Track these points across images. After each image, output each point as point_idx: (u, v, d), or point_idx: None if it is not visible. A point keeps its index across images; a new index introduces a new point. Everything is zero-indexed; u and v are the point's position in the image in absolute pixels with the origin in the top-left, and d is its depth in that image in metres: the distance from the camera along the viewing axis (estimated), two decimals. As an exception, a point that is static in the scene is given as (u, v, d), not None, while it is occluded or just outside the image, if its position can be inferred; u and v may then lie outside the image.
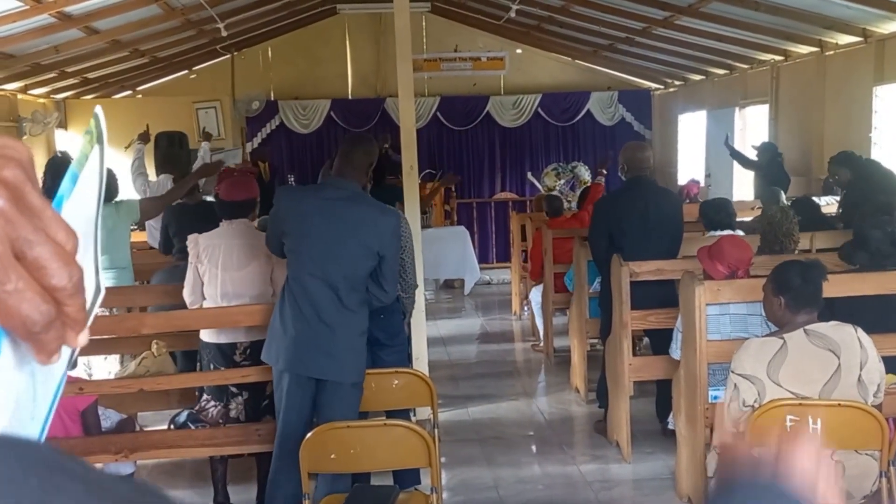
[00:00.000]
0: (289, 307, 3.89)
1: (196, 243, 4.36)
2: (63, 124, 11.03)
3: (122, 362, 5.50)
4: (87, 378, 5.28)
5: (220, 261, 4.31)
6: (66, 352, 0.54)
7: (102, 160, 0.61)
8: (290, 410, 3.96)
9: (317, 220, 3.83)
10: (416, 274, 4.77)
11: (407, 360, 5.07)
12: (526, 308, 9.16)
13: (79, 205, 0.58)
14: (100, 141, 0.60)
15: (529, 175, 12.79)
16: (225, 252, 4.31)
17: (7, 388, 0.51)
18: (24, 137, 9.47)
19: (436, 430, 4.12)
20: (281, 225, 3.94)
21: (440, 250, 10.37)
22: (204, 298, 4.37)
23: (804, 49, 9.16)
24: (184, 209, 6.32)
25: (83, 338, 0.54)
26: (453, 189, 12.34)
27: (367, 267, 3.87)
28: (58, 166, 6.41)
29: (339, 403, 3.90)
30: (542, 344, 7.92)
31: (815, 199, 6.93)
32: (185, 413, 4.54)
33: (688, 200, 8.52)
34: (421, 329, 6.02)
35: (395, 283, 4.04)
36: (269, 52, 13.11)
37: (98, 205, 0.60)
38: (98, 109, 0.62)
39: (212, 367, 4.36)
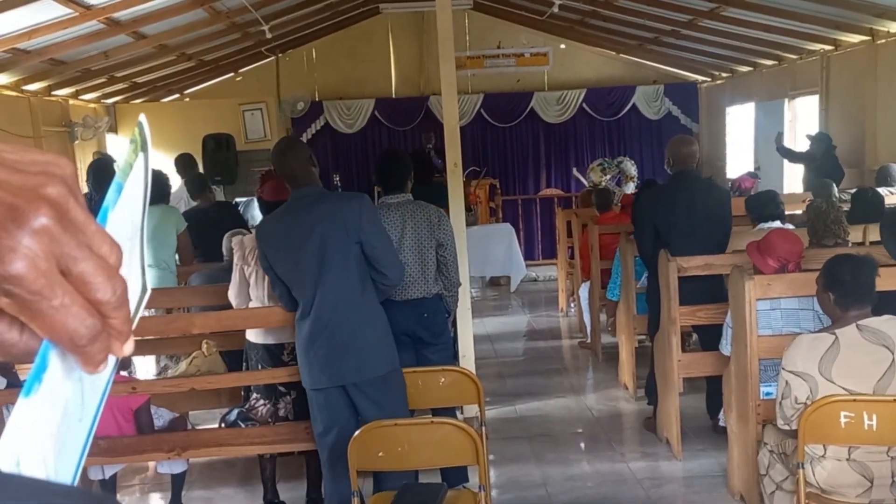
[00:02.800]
0: (299, 328, 3.94)
1: (241, 245, 4.40)
2: (113, 128, 11.22)
3: (157, 362, 5.58)
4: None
5: None
6: (112, 357, 0.56)
7: (147, 166, 0.62)
8: (332, 423, 4.00)
9: (294, 242, 3.84)
10: (458, 271, 4.76)
11: (453, 358, 5.07)
12: (572, 304, 9.11)
13: (125, 212, 0.59)
14: (144, 149, 0.62)
15: (575, 171, 12.73)
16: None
17: (56, 397, 0.52)
18: (76, 142, 9.65)
19: (483, 428, 4.11)
20: (273, 267, 3.94)
21: (486, 248, 10.36)
22: (250, 299, 4.41)
23: (855, 38, 8.97)
24: (198, 213, 6.49)
25: (128, 347, 0.55)
26: (498, 186, 12.33)
27: (352, 259, 3.84)
28: (99, 170, 6.59)
29: (367, 401, 3.92)
30: (589, 340, 7.88)
31: (879, 190, 6.75)
32: (235, 412, 4.59)
33: (738, 193, 8.40)
34: (467, 326, 6.02)
35: (393, 264, 3.95)
36: (313, 53, 13.19)
37: (144, 207, 0.62)
38: (142, 118, 0.63)
39: (260, 367, 4.40)
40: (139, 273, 0.62)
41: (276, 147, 4.11)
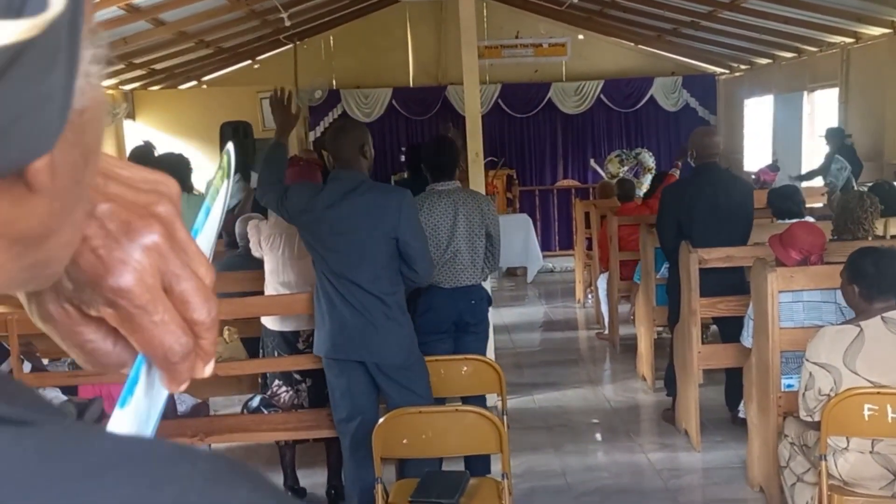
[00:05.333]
0: (323, 300, 3.93)
1: (258, 230, 4.43)
2: (131, 115, 11.26)
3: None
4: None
5: (282, 250, 4.36)
6: None
7: (228, 193, 0.64)
8: (354, 410, 4.01)
9: (326, 222, 3.84)
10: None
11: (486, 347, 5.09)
12: (590, 295, 9.11)
13: (208, 235, 0.61)
14: (228, 175, 0.64)
15: (592, 162, 12.71)
16: (287, 241, 4.35)
17: (137, 412, 0.54)
18: (95, 128, 9.68)
19: (504, 417, 4.12)
20: (292, 219, 3.97)
21: (503, 238, 10.33)
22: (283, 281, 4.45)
23: (876, 31, 8.91)
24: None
25: (209, 369, 0.56)
26: (515, 177, 12.31)
27: (384, 252, 3.85)
28: (140, 158, 6.63)
29: (393, 384, 3.94)
30: (606, 332, 7.88)
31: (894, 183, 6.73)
32: (257, 398, 4.62)
33: (759, 186, 8.38)
34: (486, 316, 6.02)
35: (424, 260, 3.96)
36: (332, 42, 13.18)
37: (217, 230, 0.64)
38: (230, 146, 0.65)
39: (276, 354, 4.43)
40: None
41: (333, 124, 4.16)
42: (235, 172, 0.66)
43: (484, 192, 6.13)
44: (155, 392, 0.55)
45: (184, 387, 0.55)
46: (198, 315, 0.53)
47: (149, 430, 0.56)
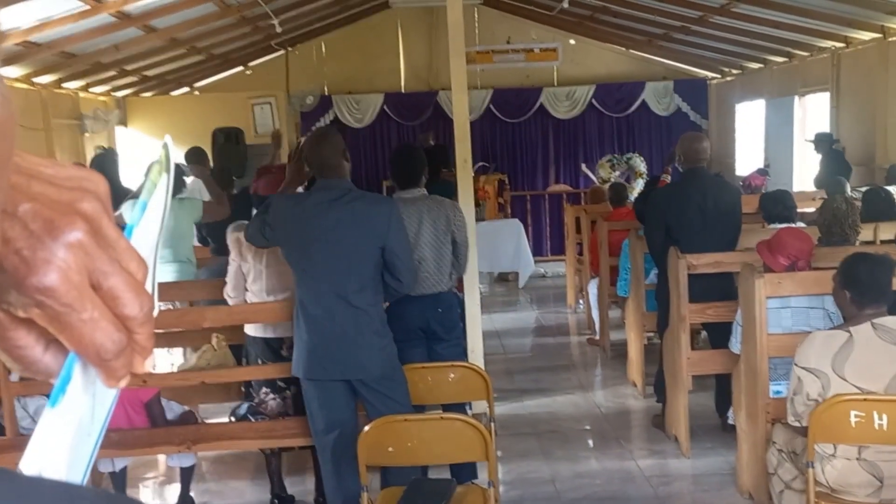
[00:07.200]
0: (302, 316, 3.89)
1: (238, 241, 4.39)
2: (123, 121, 11.23)
3: (185, 355, 5.59)
4: (151, 370, 5.39)
5: (265, 257, 4.34)
6: None
7: (169, 187, 0.63)
8: (333, 422, 3.98)
9: (312, 231, 3.80)
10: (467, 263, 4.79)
11: (463, 354, 5.07)
12: (581, 301, 9.11)
13: (146, 230, 0.60)
14: (167, 169, 0.62)
15: (584, 167, 12.71)
16: (269, 249, 4.33)
17: (74, 410, 0.53)
18: (86, 135, 9.67)
19: (492, 424, 4.11)
20: (276, 235, 3.91)
21: (494, 243, 10.34)
22: (246, 291, 4.42)
23: (866, 35, 8.94)
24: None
25: (148, 363, 0.56)
26: (507, 182, 12.31)
27: (371, 262, 3.82)
28: (102, 165, 6.61)
29: (375, 394, 3.92)
30: (597, 337, 7.87)
31: (889, 188, 6.73)
32: (245, 406, 4.61)
33: (749, 191, 8.37)
34: (476, 322, 6.01)
35: (409, 271, 3.95)
36: (323, 48, 13.17)
37: (160, 228, 0.62)
38: (167, 139, 0.64)
39: (259, 361, 4.41)
40: (150, 291, 0.63)
41: (311, 135, 4.13)
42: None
43: (473, 199, 6.12)
44: (98, 389, 0.55)
45: (123, 383, 0.55)
46: (129, 310, 0.53)
47: (97, 427, 0.55)
